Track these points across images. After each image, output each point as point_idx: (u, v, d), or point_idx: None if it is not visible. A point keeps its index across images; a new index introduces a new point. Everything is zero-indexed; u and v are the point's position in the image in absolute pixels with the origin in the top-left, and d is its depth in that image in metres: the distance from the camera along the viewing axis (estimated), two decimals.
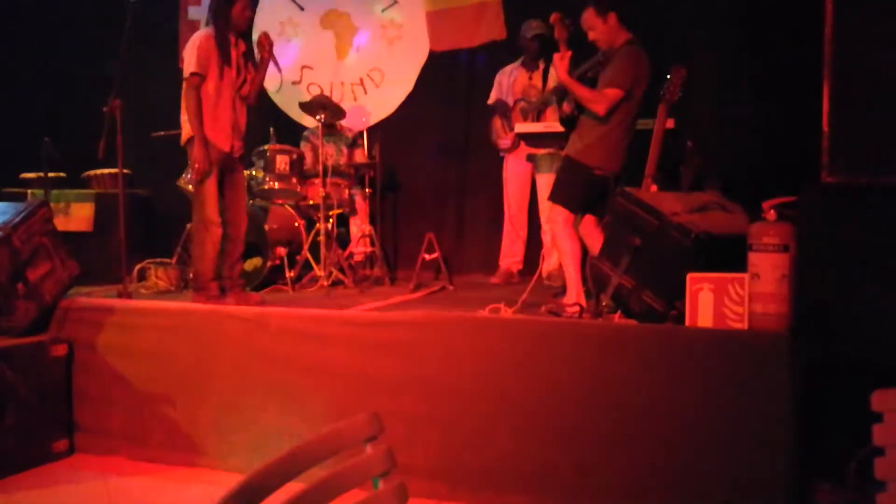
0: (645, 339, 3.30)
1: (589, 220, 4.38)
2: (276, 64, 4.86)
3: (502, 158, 5.98)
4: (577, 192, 4.29)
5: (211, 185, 4.51)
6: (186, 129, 4.53)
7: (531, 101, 5.68)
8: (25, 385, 3.91)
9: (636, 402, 3.22)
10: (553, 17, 4.38)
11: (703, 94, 5.26)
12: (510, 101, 5.84)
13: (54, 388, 4.09)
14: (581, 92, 4.24)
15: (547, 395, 3.38)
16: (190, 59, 4.47)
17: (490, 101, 5.99)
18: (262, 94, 6.76)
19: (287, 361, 3.84)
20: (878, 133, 2.92)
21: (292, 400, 3.80)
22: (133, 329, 4.16)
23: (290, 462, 1.42)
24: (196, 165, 4.46)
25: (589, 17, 4.28)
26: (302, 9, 7.00)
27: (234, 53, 4.61)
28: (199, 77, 4.45)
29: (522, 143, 5.69)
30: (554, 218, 4.38)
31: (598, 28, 4.27)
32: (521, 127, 5.35)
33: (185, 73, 4.48)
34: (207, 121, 4.50)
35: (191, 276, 4.83)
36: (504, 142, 5.85)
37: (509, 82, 5.88)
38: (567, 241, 4.30)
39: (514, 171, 5.90)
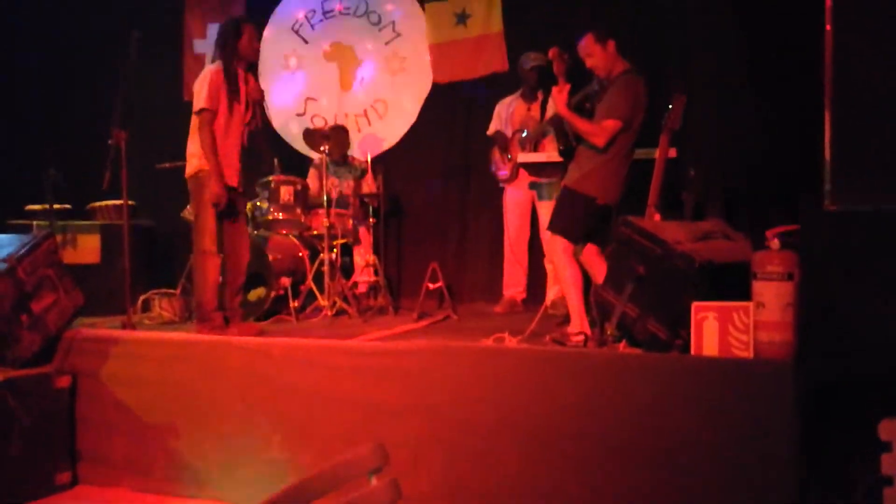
0: (650, 368, 3.29)
1: (591, 249, 4.38)
2: (263, 118, 4.90)
3: (502, 189, 6.00)
4: (577, 221, 4.29)
5: (210, 217, 4.52)
6: (193, 163, 4.56)
7: (529, 130, 5.72)
8: (29, 416, 3.90)
9: (641, 431, 3.20)
10: (552, 52, 4.41)
11: (704, 122, 5.30)
12: (509, 132, 5.87)
13: (58, 419, 4.08)
14: (580, 125, 4.26)
15: (552, 423, 3.36)
16: (200, 95, 4.49)
17: (489, 132, 6.02)
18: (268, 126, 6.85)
19: (291, 391, 3.83)
20: (881, 160, 2.92)
21: (297, 430, 3.78)
22: (137, 360, 4.15)
23: (295, 495, 1.41)
24: (213, 200, 4.47)
25: (588, 44, 4.30)
26: (306, 42, 7.07)
27: (242, 88, 4.64)
28: (211, 113, 4.48)
29: (521, 173, 5.71)
30: (553, 247, 4.38)
31: (597, 55, 4.29)
32: (524, 157, 5.39)
33: (196, 109, 4.50)
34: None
35: (194, 306, 4.83)
36: (503, 172, 5.88)
37: (508, 113, 5.92)
38: (567, 269, 4.29)
39: (514, 200, 5.92)
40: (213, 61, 4.66)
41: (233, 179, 4.62)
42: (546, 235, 5.62)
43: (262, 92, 4.83)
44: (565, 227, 4.30)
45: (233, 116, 4.59)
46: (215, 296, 4.60)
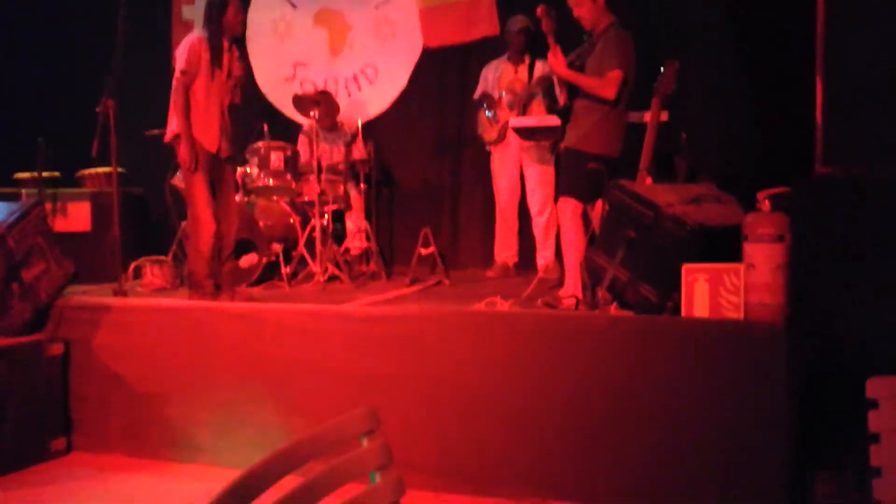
0: (641, 331, 3.31)
1: (600, 205, 4.38)
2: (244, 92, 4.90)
3: (488, 153, 5.97)
4: (583, 180, 4.27)
5: (202, 185, 4.54)
6: (172, 127, 4.57)
7: (517, 93, 5.68)
8: (22, 384, 3.92)
9: (633, 393, 3.23)
10: (539, 10, 4.39)
11: (696, 86, 5.27)
12: (496, 95, 5.83)
13: (51, 386, 4.09)
14: (585, 82, 4.25)
15: (544, 386, 3.39)
16: (181, 58, 4.52)
17: (476, 96, 5.98)
18: (256, 93, 6.80)
19: (284, 358, 3.84)
20: (872, 125, 2.93)
21: (289, 396, 3.80)
22: (129, 327, 4.16)
23: (287, 457, 1.42)
24: (182, 163, 4.52)
25: None
26: (294, 7, 6.99)
27: (226, 58, 4.65)
28: (188, 76, 4.49)
29: (509, 135, 5.67)
30: (563, 209, 4.37)
31: (586, 6, 4.29)
32: (515, 121, 5.35)
33: (176, 72, 4.52)
34: (197, 121, 4.53)
35: (186, 273, 4.83)
36: (489, 133, 5.84)
37: (495, 76, 5.87)
38: (573, 233, 4.29)
39: (502, 164, 5.88)
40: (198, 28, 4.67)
41: (213, 146, 4.62)
42: (535, 199, 5.64)
43: (244, 69, 4.83)
44: (573, 188, 4.30)
45: (213, 83, 4.59)
46: (207, 263, 4.60)
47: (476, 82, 6.11)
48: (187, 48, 4.51)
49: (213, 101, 4.60)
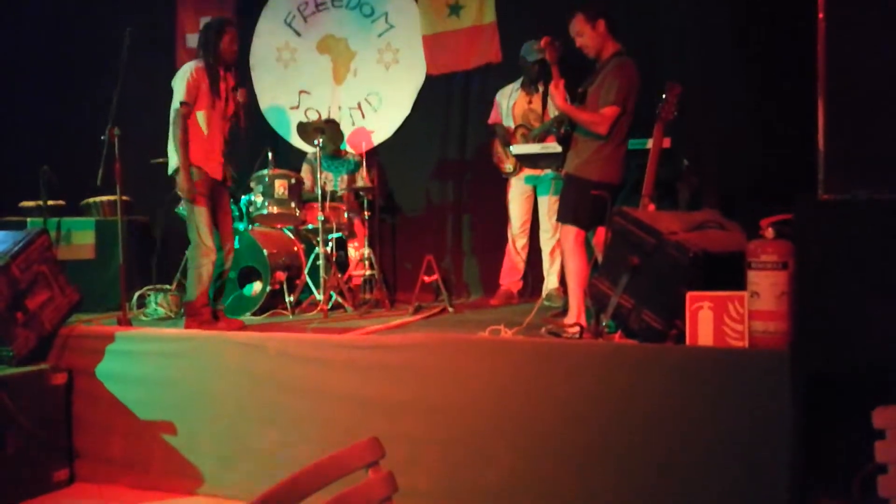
0: (646, 359, 3.29)
1: (602, 232, 4.37)
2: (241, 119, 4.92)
3: (505, 180, 5.99)
4: (584, 207, 4.28)
5: (204, 213, 4.59)
6: (175, 159, 4.59)
7: (532, 127, 5.70)
8: (25, 414, 3.90)
9: (638, 421, 3.21)
10: (543, 41, 4.42)
11: (698, 111, 5.29)
12: (510, 123, 5.85)
13: (54, 416, 4.09)
14: (582, 116, 4.26)
15: (548, 414, 3.37)
16: (179, 89, 4.57)
17: (490, 122, 6.01)
18: (260, 120, 6.84)
19: (287, 386, 3.83)
20: (874, 150, 2.93)
21: (293, 425, 3.79)
22: (133, 356, 4.16)
23: (291, 489, 1.41)
24: (185, 195, 4.56)
25: (578, 23, 4.31)
26: (299, 34, 7.05)
27: (222, 86, 4.71)
28: (188, 106, 4.54)
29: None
30: (565, 237, 4.36)
31: (587, 35, 4.30)
32: (518, 148, 5.37)
33: (175, 104, 4.56)
34: (200, 150, 4.58)
35: (183, 300, 4.85)
36: (506, 165, 5.87)
37: (509, 104, 5.90)
38: (576, 260, 4.28)
39: (518, 192, 5.92)
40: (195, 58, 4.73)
41: (217, 172, 4.69)
42: (546, 227, 5.66)
43: (246, 95, 4.88)
44: (574, 215, 4.29)
45: (214, 111, 4.66)
46: (206, 291, 4.62)
47: (479, 108, 6.14)
48: (186, 78, 4.56)
49: (215, 129, 4.66)
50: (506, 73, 6.14)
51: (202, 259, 4.58)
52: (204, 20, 7.06)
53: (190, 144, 4.54)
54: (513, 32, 6.20)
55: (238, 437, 3.87)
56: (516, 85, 5.93)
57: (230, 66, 4.77)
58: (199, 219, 4.57)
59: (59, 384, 4.11)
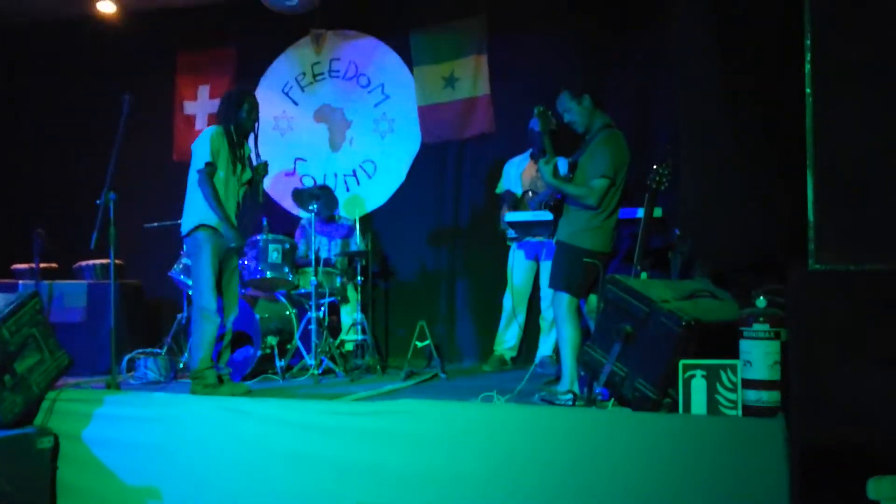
0: (639, 427, 3.28)
1: (594, 300, 4.38)
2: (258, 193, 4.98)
3: (509, 247, 6.00)
4: (576, 274, 4.29)
5: (210, 276, 4.57)
6: (191, 221, 4.61)
7: (538, 193, 5.74)
8: (9, 478, 3.82)
9: (631, 490, 3.18)
10: (536, 111, 4.51)
11: (689, 179, 5.34)
12: (518, 190, 5.89)
13: (39, 481, 4.00)
14: (571, 192, 4.31)
15: (541, 481, 3.33)
16: (203, 151, 4.58)
17: (497, 191, 6.05)
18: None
19: (278, 452, 3.78)
20: (863, 221, 2.96)
21: (283, 492, 3.73)
22: (121, 420, 4.10)
23: None
24: (236, 242, 4.61)
25: (564, 101, 4.40)
26: (296, 103, 7.16)
27: (240, 153, 4.76)
28: (213, 167, 4.58)
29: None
30: (557, 304, 4.36)
31: (574, 110, 4.38)
32: (511, 216, 5.40)
33: (199, 164, 4.57)
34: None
35: (182, 365, 4.80)
36: (512, 231, 5.89)
37: (518, 171, 5.94)
38: (568, 327, 4.27)
39: (522, 258, 5.92)
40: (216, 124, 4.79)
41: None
42: (548, 293, 5.64)
43: (266, 170, 4.91)
44: (566, 282, 4.31)
45: (231, 177, 4.69)
46: (209, 354, 4.59)
47: (472, 175, 6.20)
48: (209, 140, 4.60)
49: (231, 193, 4.70)
50: (499, 143, 6.24)
51: (203, 322, 4.55)
52: (202, 88, 7.26)
53: (205, 206, 4.56)
54: (506, 104, 6.31)
55: (225, 503, 3.81)
56: (525, 155, 5.98)
57: (248, 135, 4.81)
58: (205, 282, 4.56)
59: (45, 448, 4.04)
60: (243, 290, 5.63)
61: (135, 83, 5.65)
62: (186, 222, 4.65)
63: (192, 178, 4.64)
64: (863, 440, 2.78)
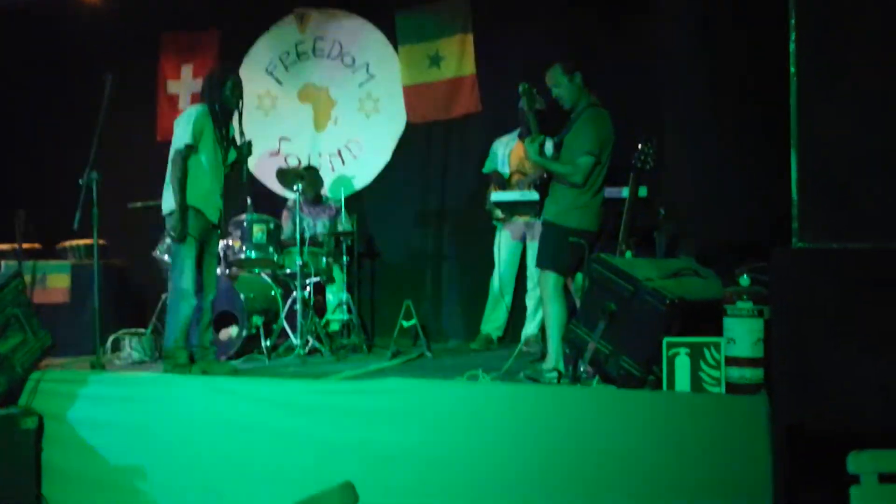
0: (623, 404, 3.30)
1: (581, 278, 4.40)
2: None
3: (493, 228, 5.99)
4: (563, 253, 4.31)
5: (190, 258, 4.54)
6: (170, 200, 4.55)
7: (527, 174, 5.73)
8: None
9: (616, 467, 3.21)
10: (521, 89, 4.50)
11: (674, 160, 5.35)
12: (506, 171, 5.88)
13: (24, 461, 4.00)
14: (556, 169, 4.32)
15: (527, 459, 3.35)
16: (185, 131, 4.51)
17: (485, 170, 6.04)
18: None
19: (263, 431, 3.79)
20: (847, 199, 2.98)
21: (269, 471, 3.74)
22: (105, 401, 4.10)
23: None
24: (173, 234, 4.49)
25: (555, 75, 4.40)
26: (280, 83, 7.11)
27: (224, 132, 4.73)
28: (192, 148, 4.51)
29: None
30: (544, 283, 4.38)
31: (563, 86, 4.39)
32: (497, 195, 5.39)
33: (179, 145, 4.51)
34: (200, 193, 4.55)
35: (163, 344, 4.79)
36: (498, 212, 5.88)
37: (505, 153, 5.91)
38: (555, 305, 4.29)
39: (509, 238, 5.92)
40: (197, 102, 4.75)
41: (214, 216, 4.66)
42: (534, 272, 5.65)
43: (251, 150, 4.86)
44: (553, 261, 4.32)
45: (216, 157, 4.65)
46: (184, 334, 4.57)
47: (458, 155, 6.17)
48: (192, 121, 4.53)
49: (215, 173, 4.66)
50: (485, 123, 6.22)
51: (180, 303, 4.54)
52: (185, 67, 7.20)
53: (190, 187, 4.52)
54: (493, 84, 6.28)
55: (213, 485, 3.81)
56: (513, 134, 5.96)
57: (232, 114, 4.77)
58: (184, 262, 4.52)
59: (30, 429, 4.03)
60: (227, 269, 5.61)
61: (118, 63, 5.60)
62: (167, 201, 4.61)
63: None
64: (846, 416, 2.81)
